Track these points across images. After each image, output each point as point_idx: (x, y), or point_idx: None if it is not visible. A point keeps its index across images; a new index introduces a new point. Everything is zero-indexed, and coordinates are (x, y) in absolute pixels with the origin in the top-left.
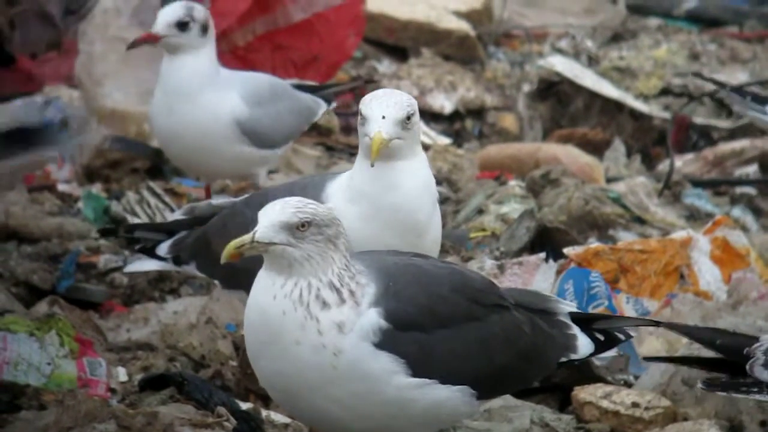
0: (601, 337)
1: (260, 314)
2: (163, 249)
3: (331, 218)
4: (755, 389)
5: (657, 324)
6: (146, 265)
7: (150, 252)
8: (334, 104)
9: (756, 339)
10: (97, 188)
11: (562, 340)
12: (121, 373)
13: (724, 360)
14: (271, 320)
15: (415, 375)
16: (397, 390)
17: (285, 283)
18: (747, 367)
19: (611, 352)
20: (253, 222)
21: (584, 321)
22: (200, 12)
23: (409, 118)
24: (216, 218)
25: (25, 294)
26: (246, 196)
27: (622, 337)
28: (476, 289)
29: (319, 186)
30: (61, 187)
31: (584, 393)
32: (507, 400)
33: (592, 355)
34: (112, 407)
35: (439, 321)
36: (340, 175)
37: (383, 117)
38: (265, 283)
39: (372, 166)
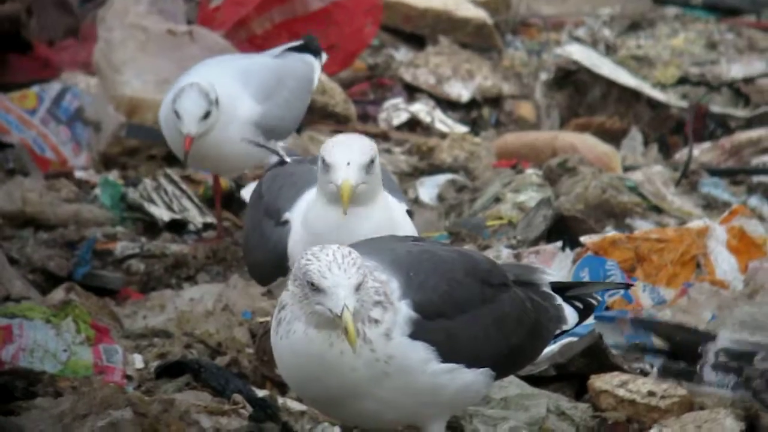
0: (580, 305)
1: (315, 359)
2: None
3: (359, 268)
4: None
5: (628, 286)
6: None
7: None
8: (324, 55)
9: (713, 338)
10: (114, 175)
11: (554, 312)
12: (137, 360)
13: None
14: (329, 363)
15: (444, 361)
16: (431, 377)
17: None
18: (698, 367)
19: (590, 320)
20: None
21: (560, 290)
22: (213, 89)
23: (372, 161)
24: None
25: (41, 281)
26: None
27: (595, 303)
28: (485, 271)
29: (300, 188)
30: (78, 174)
31: (600, 381)
32: (523, 388)
33: (576, 324)
34: (128, 394)
35: (459, 306)
36: (311, 191)
37: (348, 163)
38: (314, 335)
39: (345, 213)
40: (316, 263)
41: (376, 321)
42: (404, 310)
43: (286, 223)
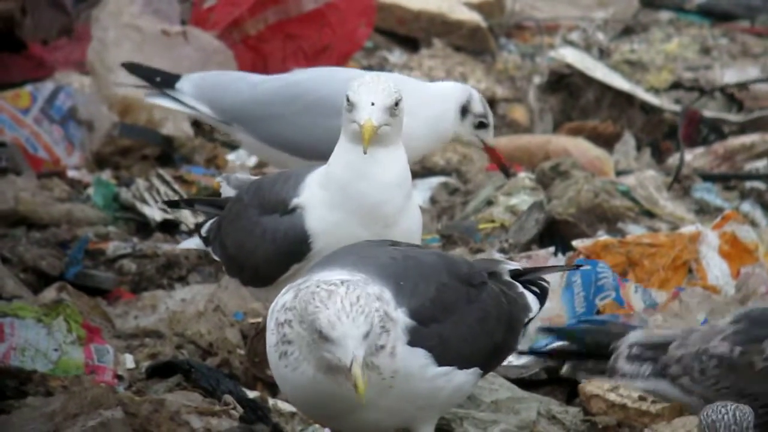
0: (536, 289)
1: (325, 396)
2: (205, 227)
3: (371, 317)
4: (618, 376)
5: (576, 267)
6: (192, 243)
7: (198, 230)
8: None
9: (622, 334)
10: (107, 175)
11: (521, 301)
12: (129, 360)
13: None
14: (338, 398)
15: (440, 365)
16: (429, 382)
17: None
18: (611, 360)
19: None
20: (244, 206)
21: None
22: None
23: (396, 104)
24: (231, 200)
25: (33, 280)
26: (252, 180)
27: (546, 285)
28: (466, 271)
29: (300, 176)
30: (71, 174)
31: (591, 386)
32: (514, 391)
33: (539, 310)
34: (119, 394)
35: (449, 309)
36: (313, 174)
37: (372, 104)
38: (323, 379)
39: (365, 153)
40: (325, 311)
41: (382, 347)
42: (401, 319)
43: (294, 210)
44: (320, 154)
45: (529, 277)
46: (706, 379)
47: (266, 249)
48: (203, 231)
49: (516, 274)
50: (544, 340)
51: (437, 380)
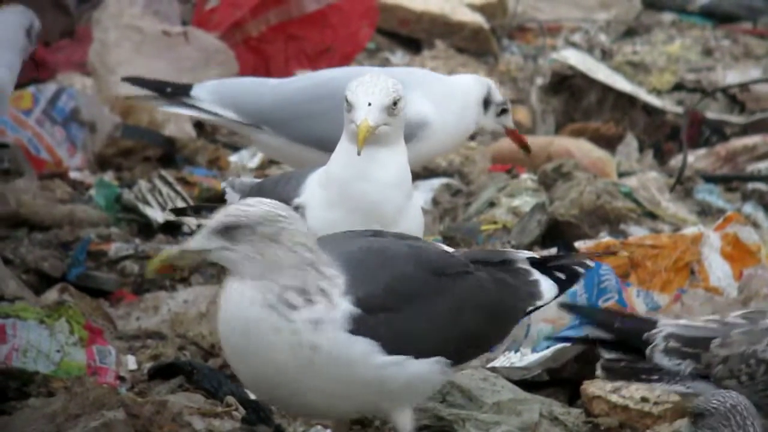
0: (562, 276)
1: (235, 324)
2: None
3: (267, 216)
4: (655, 377)
5: (610, 254)
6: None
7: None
8: None
9: (654, 323)
10: (109, 176)
11: (526, 289)
12: (131, 362)
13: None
14: (246, 329)
15: (390, 354)
16: (375, 370)
17: (251, 291)
18: (647, 352)
19: (575, 288)
20: None
21: (540, 264)
22: None
23: (395, 103)
24: None
25: (35, 281)
26: (256, 182)
27: (581, 270)
28: (439, 261)
29: (301, 176)
30: (73, 175)
31: (593, 387)
32: (516, 393)
33: (556, 296)
34: (121, 395)
35: (407, 299)
36: (314, 174)
37: (369, 104)
38: (233, 292)
39: (359, 154)
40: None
41: (291, 305)
42: (344, 307)
43: (296, 209)
44: None
45: (560, 262)
46: (755, 385)
47: None
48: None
49: (542, 261)
50: (546, 342)
51: (388, 369)
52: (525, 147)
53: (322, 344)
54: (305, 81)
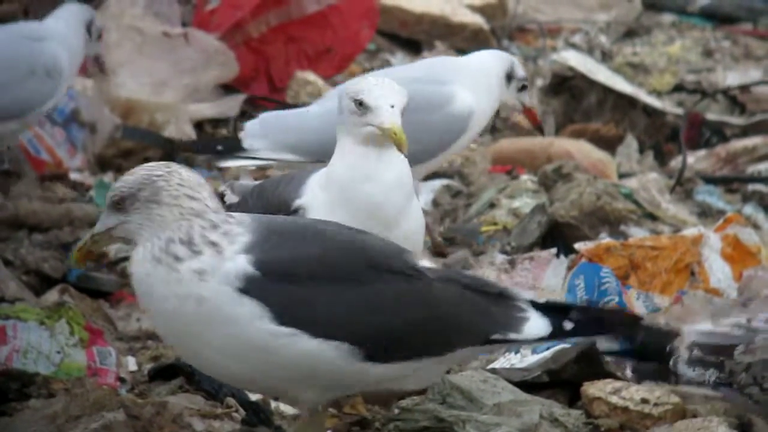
0: (571, 325)
1: (136, 286)
2: None
3: (143, 180)
4: (685, 379)
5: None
6: None
7: None
8: None
9: (677, 334)
10: (109, 177)
11: (501, 319)
12: (131, 363)
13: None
14: (141, 284)
15: (282, 324)
16: (263, 335)
17: (141, 251)
18: (671, 364)
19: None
20: (249, 210)
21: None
22: None
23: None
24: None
25: (35, 282)
26: (256, 183)
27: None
28: (377, 255)
29: (302, 178)
30: (74, 176)
31: (593, 388)
32: (516, 394)
33: (544, 338)
34: (121, 396)
35: (317, 276)
36: (314, 176)
37: (392, 106)
38: (133, 259)
39: (405, 156)
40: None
41: (176, 257)
42: (238, 263)
43: (297, 211)
44: (425, 151)
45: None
46: None
47: None
48: None
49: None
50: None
51: (277, 338)
52: (539, 127)
53: (207, 297)
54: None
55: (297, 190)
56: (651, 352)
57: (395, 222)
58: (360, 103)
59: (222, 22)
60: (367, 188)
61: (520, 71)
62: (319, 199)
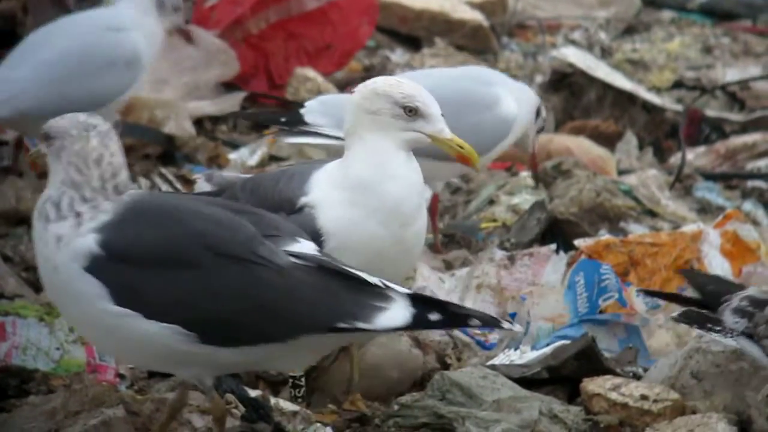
0: (438, 316)
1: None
2: None
3: (60, 130)
4: (718, 328)
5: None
6: None
7: None
8: None
9: (742, 288)
10: None
11: (352, 308)
12: None
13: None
14: (33, 229)
15: (119, 305)
16: (102, 314)
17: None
18: (719, 309)
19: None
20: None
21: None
22: None
23: None
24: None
25: (35, 279)
26: (246, 177)
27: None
28: (220, 242)
29: (305, 174)
30: None
31: (593, 385)
32: (516, 391)
33: (400, 328)
34: (121, 393)
35: (157, 260)
36: (327, 164)
37: (442, 114)
38: None
39: (478, 171)
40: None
41: (47, 217)
42: (87, 242)
43: (302, 209)
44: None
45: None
46: None
47: None
48: None
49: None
50: (547, 338)
51: (114, 318)
52: (536, 175)
53: (59, 267)
54: None
55: (301, 187)
56: (711, 299)
57: (413, 219)
58: (411, 110)
59: (222, 18)
60: (391, 188)
61: (544, 112)
62: (332, 197)
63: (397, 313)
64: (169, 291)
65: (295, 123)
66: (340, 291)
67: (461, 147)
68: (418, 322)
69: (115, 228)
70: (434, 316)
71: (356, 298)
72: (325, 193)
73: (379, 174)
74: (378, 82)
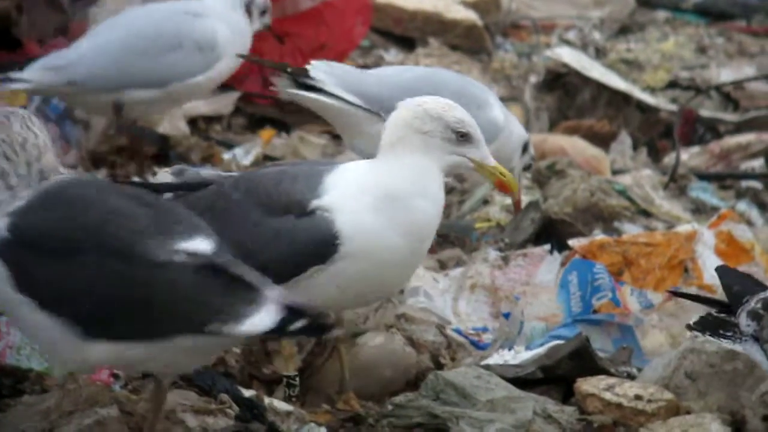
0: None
1: None
2: None
3: None
4: (729, 333)
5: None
6: None
7: None
8: None
9: (765, 288)
10: (102, 174)
11: (225, 310)
12: None
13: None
14: None
15: (20, 291)
16: (5, 298)
17: None
18: (737, 312)
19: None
20: (237, 204)
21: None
22: None
23: None
24: (203, 195)
25: None
26: (235, 175)
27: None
28: (111, 234)
29: (314, 176)
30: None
31: (587, 385)
32: (510, 391)
33: (262, 333)
34: (115, 392)
35: (53, 249)
36: (340, 166)
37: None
38: None
39: (517, 210)
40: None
41: None
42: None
43: (314, 212)
44: None
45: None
46: None
47: (281, 251)
48: None
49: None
50: (540, 338)
51: (15, 305)
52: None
53: None
54: (408, 73)
55: (312, 189)
56: (735, 300)
57: (429, 236)
58: (462, 135)
59: None
60: (422, 205)
61: (532, 151)
62: (353, 201)
63: (262, 318)
64: (59, 281)
65: (299, 74)
66: (216, 292)
67: (503, 175)
68: (279, 329)
69: (23, 213)
70: (299, 324)
71: (228, 300)
72: (345, 196)
73: (413, 190)
74: (430, 104)
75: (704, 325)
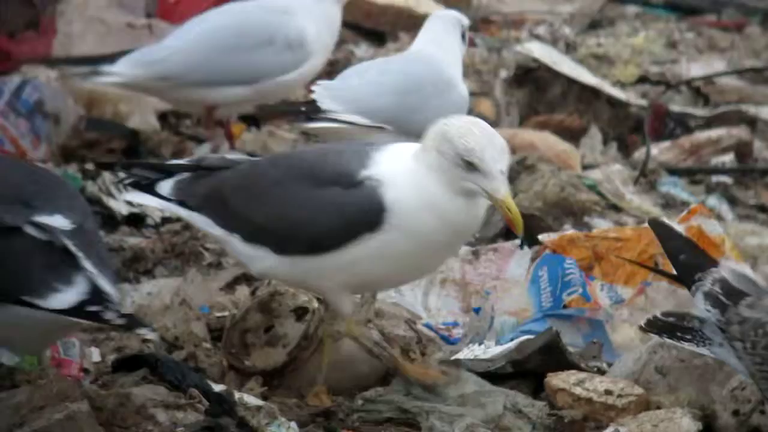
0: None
1: None
2: (165, 188)
3: None
4: (688, 337)
5: None
6: (147, 200)
7: (148, 189)
8: None
9: (715, 264)
10: (73, 168)
11: (37, 284)
12: (95, 354)
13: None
14: None
15: None
16: None
17: None
18: (692, 289)
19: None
20: (277, 181)
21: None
22: None
23: None
24: (233, 173)
25: None
26: (271, 155)
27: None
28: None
29: (362, 151)
30: None
31: (557, 379)
32: (480, 385)
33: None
34: (85, 387)
35: None
36: (389, 145)
37: (502, 171)
38: None
39: (521, 246)
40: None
41: None
42: None
43: (362, 182)
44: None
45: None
46: (754, 355)
47: (330, 220)
48: (165, 192)
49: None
50: (511, 333)
51: None
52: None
53: None
54: (394, 75)
55: (361, 162)
56: (685, 274)
57: (465, 238)
58: (470, 164)
59: (186, 12)
60: (465, 220)
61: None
62: (406, 178)
63: (67, 295)
64: None
65: (313, 111)
66: (40, 266)
67: (509, 210)
68: (77, 311)
69: None
70: (107, 315)
71: (48, 276)
72: (394, 171)
73: (418, 203)
74: (450, 126)
75: (657, 327)
